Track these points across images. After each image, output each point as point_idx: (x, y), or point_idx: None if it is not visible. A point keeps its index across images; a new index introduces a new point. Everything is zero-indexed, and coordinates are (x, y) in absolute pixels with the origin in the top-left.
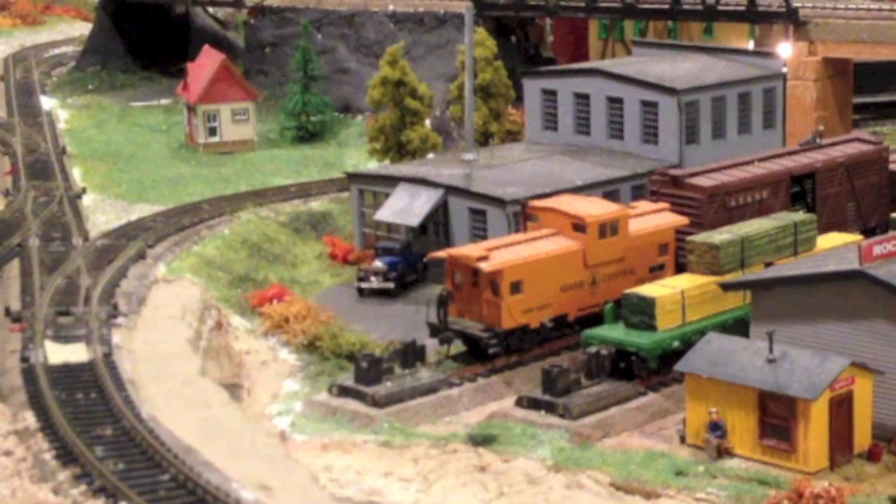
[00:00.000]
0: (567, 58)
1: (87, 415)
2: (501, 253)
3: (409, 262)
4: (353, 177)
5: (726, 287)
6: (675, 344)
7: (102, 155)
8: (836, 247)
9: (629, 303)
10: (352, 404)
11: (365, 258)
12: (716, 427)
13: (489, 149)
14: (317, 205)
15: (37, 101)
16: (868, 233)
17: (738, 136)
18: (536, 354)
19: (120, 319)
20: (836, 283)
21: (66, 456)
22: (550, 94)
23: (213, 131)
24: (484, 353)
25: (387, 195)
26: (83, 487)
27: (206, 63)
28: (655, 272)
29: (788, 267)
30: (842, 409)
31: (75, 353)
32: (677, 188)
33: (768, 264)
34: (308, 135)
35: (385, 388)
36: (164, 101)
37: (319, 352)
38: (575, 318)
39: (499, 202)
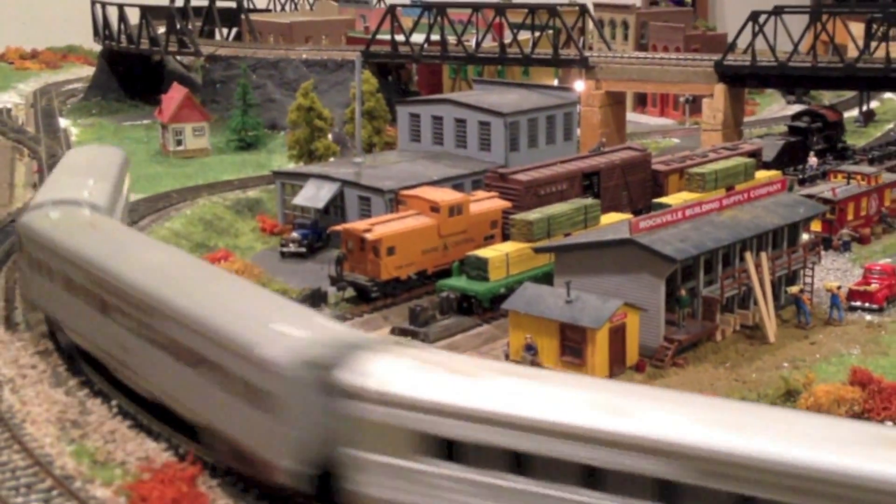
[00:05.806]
0: (427, 91)
1: None
2: (381, 227)
3: (317, 234)
4: (278, 174)
5: (538, 250)
6: (502, 290)
7: None
8: (613, 223)
9: (470, 261)
10: None
11: (285, 231)
12: (530, 348)
13: (373, 155)
14: (252, 193)
15: (56, 121)
16: (636, 213)
17: (546, 146)
18: (405, 298)
19: None
20: (614, 247)
21: (73, 369)
22: (415, 117)
23: (179, 142)
24: (368, 297)
25: (301, 187)
26: (87, 390)
27: (175, 95)
28: (488, 240)
29: (581, 236)
30: (617, 335)
31: None
32: (503, 182)
33: (567, 234)
34: (246, 145)
35: None
36: (145, 122)
37: None
38: (432, 272)
39: (379, 191)
